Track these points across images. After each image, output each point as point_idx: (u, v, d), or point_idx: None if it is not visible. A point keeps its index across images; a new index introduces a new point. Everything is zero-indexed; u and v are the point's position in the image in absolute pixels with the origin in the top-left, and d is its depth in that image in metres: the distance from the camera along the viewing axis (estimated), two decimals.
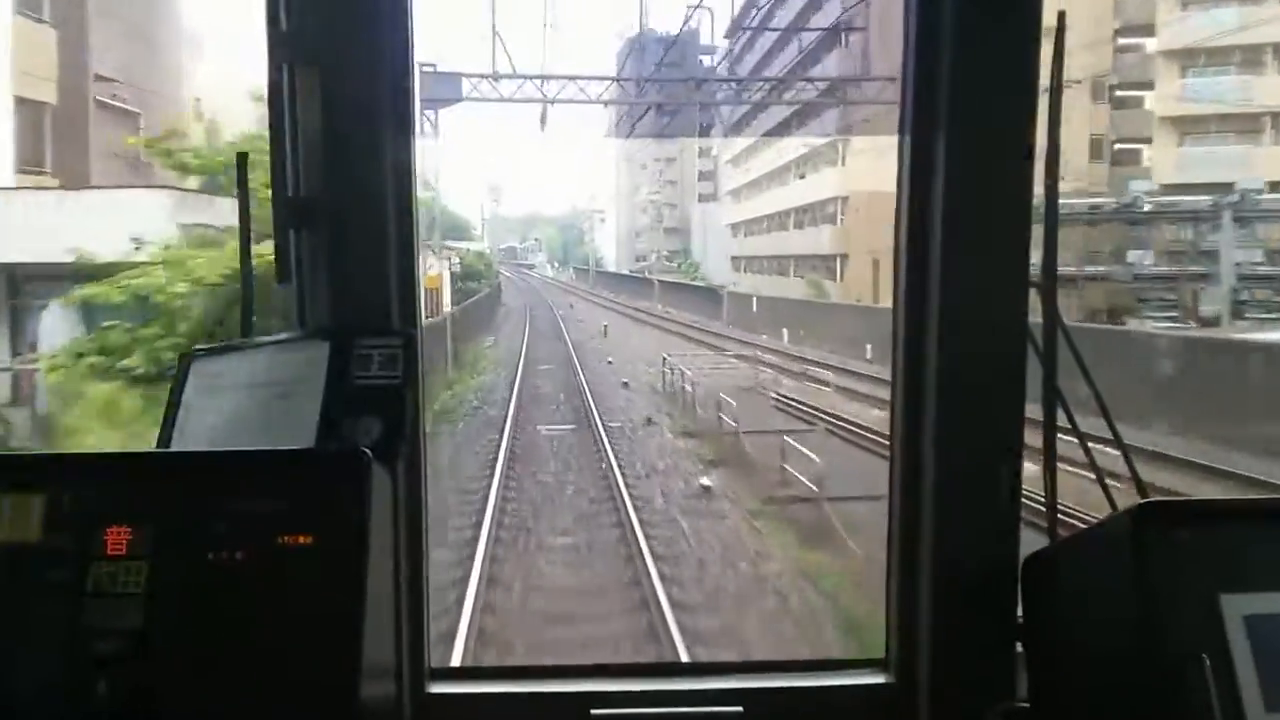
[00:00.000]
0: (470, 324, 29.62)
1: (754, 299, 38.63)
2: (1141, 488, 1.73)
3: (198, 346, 1.74)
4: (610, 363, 27.75)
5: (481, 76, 19.62)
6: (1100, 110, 29.66)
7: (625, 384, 23.95)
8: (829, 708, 1.94)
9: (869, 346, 23.35)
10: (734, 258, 52.56)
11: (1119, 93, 30.76)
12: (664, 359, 24.42)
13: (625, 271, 66.87)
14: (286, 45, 1.70)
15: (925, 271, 1.83)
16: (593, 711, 1.85)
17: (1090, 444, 1.74)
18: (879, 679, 1.96)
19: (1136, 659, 1.37)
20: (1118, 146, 30.87)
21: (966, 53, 1.76)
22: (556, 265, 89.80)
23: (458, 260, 32.89)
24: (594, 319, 41.47)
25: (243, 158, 1.75)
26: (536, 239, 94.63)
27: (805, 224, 40.11)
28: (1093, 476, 1.77)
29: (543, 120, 20.23)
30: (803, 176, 39.98)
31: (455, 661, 7.65)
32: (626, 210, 70.43)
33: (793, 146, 38.28)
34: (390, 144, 1.75)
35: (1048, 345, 1.77)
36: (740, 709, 1.86)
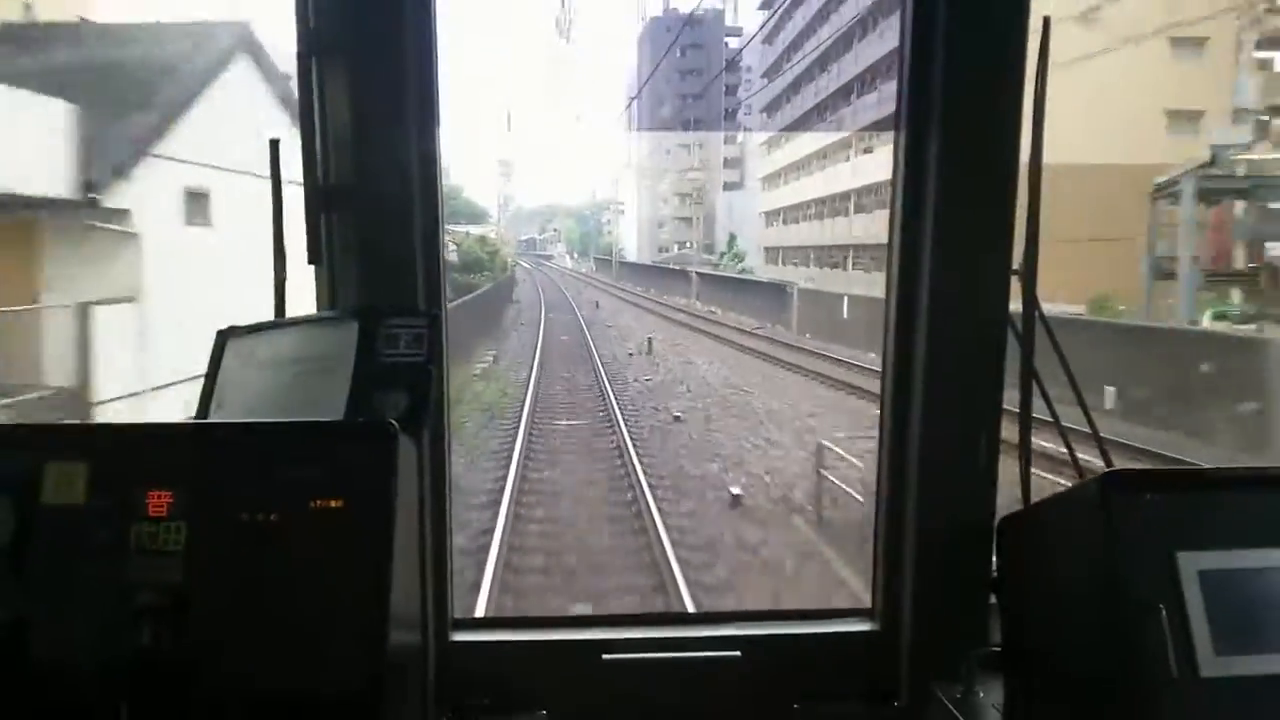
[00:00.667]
0: (462, 331, 19.81)
1: (844, 300, 26.75)
2: (1107, 458, 1.89)
3: (234, 325, 1.83)
4: (679, 419, 15.70)
5: None
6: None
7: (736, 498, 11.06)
8: (820, 652, 2.10)
9: (1109, 391, 14.25)
10: (768, 248, 49.70)
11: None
12: (819, 446, 11.44)
13: (649, 262, 62.21)
14: (314, 38, 1.77)
15: (917, 259, 1.96)
16: (604, 656, 1.98)
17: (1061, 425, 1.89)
18: (866, 626, 2.14)
19: (1100, 609, 1.50)
20: None
21: (958, 54, 1.87)
22: (575, 256, 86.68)
23: (454, 247, 27.86)
24: (625, 323, 31.81)
25: (275, 144, 1.83)
26: (555, 229, 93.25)
27: (871, 207, 33.87)
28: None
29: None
30: (869, 150, 35.12)
31: None
32: (649, 199, 67.83)
33: (848, 119, 34.92)
34: (415, 131, 1.83)
35: (1026, 328, 1.90)
36: (739, 653, 2.02)
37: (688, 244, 62.84)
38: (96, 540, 1.41)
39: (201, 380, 1.78)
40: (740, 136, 58.23)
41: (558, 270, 73.90)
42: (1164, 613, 1.40)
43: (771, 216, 49.93)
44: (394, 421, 1.51)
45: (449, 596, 2.00)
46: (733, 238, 56.39)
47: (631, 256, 68.55)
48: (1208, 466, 1.58)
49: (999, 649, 1.84)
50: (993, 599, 1.91)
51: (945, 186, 1.91)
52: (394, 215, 1.84)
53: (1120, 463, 1.72)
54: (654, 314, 35.74)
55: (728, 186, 60.56)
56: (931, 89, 1.90)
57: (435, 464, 1.90)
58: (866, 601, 2.17)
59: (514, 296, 39.78)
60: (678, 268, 50.83)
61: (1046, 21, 1.81)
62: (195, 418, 1.76)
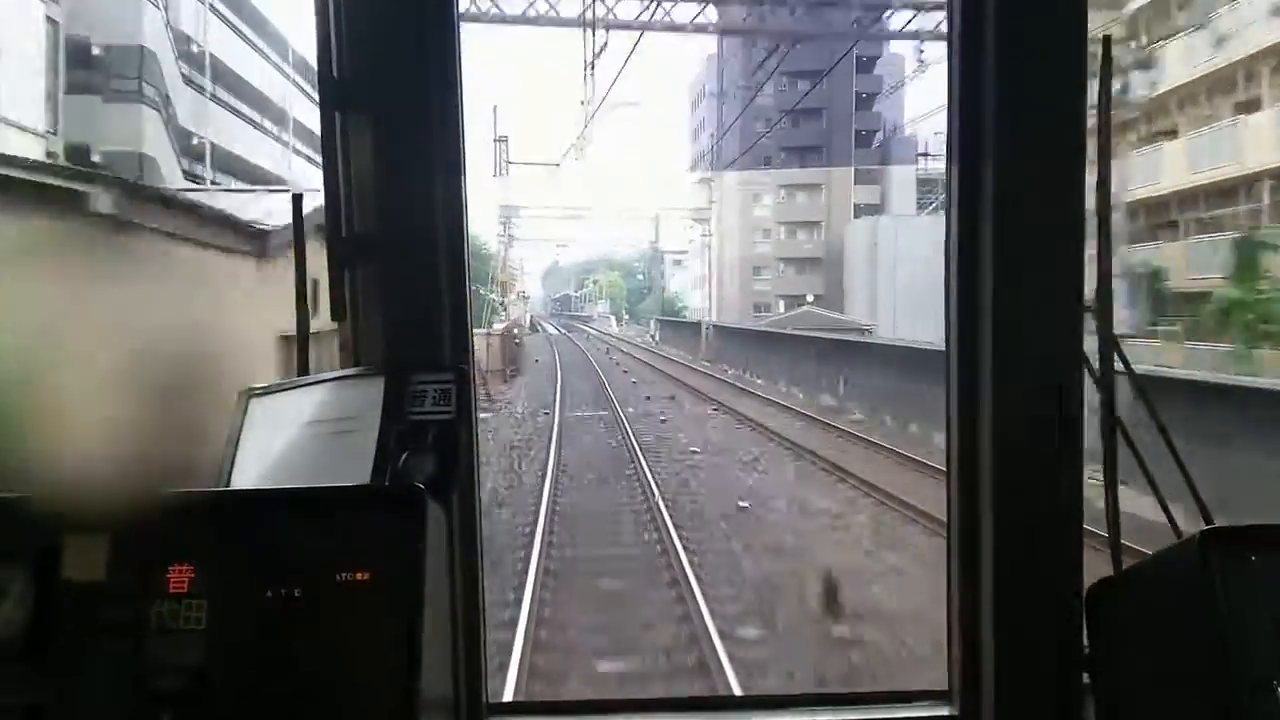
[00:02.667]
0: None
1: None
2: (1206, 515, 1.70)
3: (254, 385, 1.77)
4: None
5: None
6: None
7: None
8: None
9: None
10: None
11: None
12: None
13: (755, 326, 39.08)
14: (339, 91, 1.75)
15: (976, 298, 1.82)
16: None
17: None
18: (944, 711, 1.94)
19: (1206, 685, 1.35)
20: None
21: (1011, 80, 1.76)
22: (624, 318, 70.89)
23: None
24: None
25: (298, 199, 1.80)
26: (595, 281, 79.20)
27: None
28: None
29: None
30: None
31: None
32: (737, 235, 47.09)
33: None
34: (441, 183, 1.79)
35: (1104, 369, 1.74)
36: None
37: (805, 298, 43.32)
38: (117, 619, 1.35)
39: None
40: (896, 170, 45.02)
41: (598, 337, 55.01)
42: (1278, 689, 1.24)
43: None
44: (421, 485, 1.44)
45: (484, 677, 1.88)
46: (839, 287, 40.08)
47: (699, 315, 46.67)
48: None
49: None
50: (1085, 677, 1.73)
51: (1002, 219, 1.78)
52: (419, 268, 1.79)
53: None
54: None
55: (863, 212, 44.64)
56: (984, 118, 1.79)
57: (466, 531, 1.80)
58: None
59: (518, 406, 22.72)
60: (835, 337, 27.64)
61: (1107, 41, 1.71)
62: (218, 484, 1.70)
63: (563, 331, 59.36)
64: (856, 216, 45.41)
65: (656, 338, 52.06)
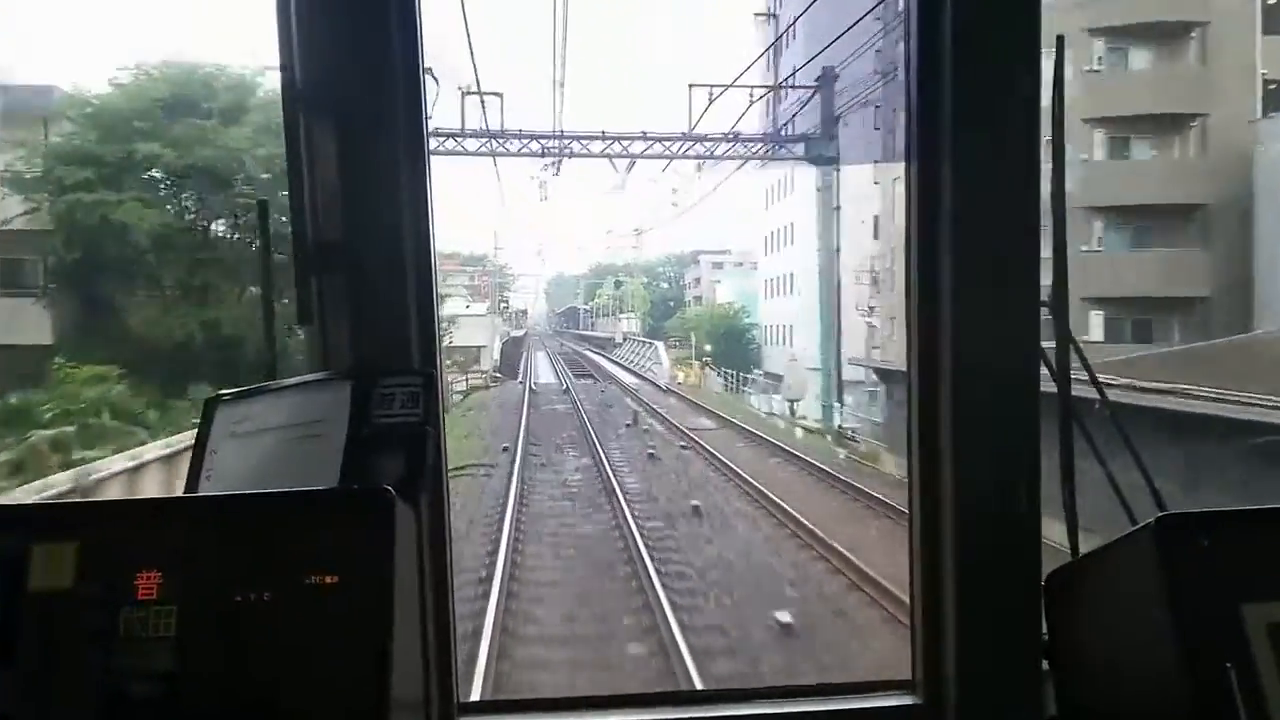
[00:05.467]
0: None
1: None
2: (1160, 502, 1.75)
3: (223, 391, 1.77)
4: None
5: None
6: None
7: None
8: None
9: None
10: None
11: None
12: None
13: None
14: (300, 94, 1.75)
15: (937, 297, 1.86)
16: None
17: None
18: (908, 700, 1.97)
19: (1162, 670, 1.39)
20: None
21: (967, 81, 1.80)
22: (673, 342, 39.65)
23: None
24: None
25: (264, 205, 1.80)
26: (617, 283, 52.56)
27: None
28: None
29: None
30: None
31: None
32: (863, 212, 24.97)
33: None
34: (407, 186, 1.79)
35: (1060, 364, 1.78)
36: None
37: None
38: (85, 628, 1.35)
39: None
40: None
41: (639, 398, 27.28)
42: (1232, 672, 1.28)
43: None
44: (390, 487, 1.44)
45: (454, 677, 1.89)
46: None
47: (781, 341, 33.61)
48: (1274, 506, 1.46)
49: (1054, 719, 1.70)
50: (1045, 664, 1.77)
51: (960, 218, 1.82)
52: (386, 273, 1.79)
53: None
54: None
55: None
56: (941, 118, 1.82)
57: (435, 532, 1.81)
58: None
59: None
60: None
61: (1060, 40, 1.75)
62: (185, 491, 1.70)
63: (561, 375, 33.00)
64: (1268, 106, 20.30)
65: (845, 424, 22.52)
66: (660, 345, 36.06)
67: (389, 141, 1.78)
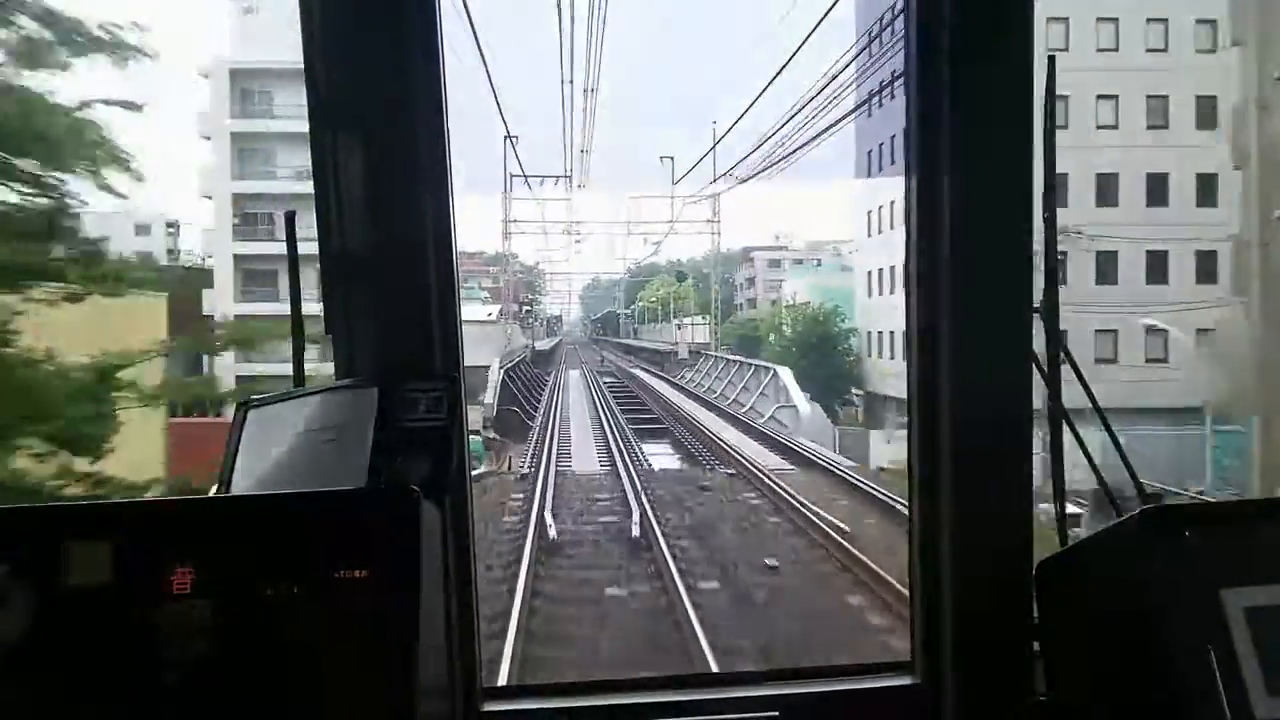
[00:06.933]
0: None
1: None
2: (1144, 495, 1.85)
3: (254, 396, 1.83)
4: None
5: None
6: None
7: None
8: (860, 710, 2.04)
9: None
10: None
11: None
12: None
13: None
14: (327, 107, 1.80)
15: (935, 302, 1.95)
16: None
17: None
18: (907, 680, 2.08)
19: (1145, 652, 1.47)
20: None
21: (965, 99, 1.88)
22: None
23: None
24: None
25: (290, 215, 1.86)
26: (681, 273, 40.64)
27: None
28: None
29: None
30: None
31: None
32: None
33: None
34: (430, 196, 1.85)
35: (1051, 365, 1.88)
36: (776, 714, 1.97)
37: None
38: (122, 622, 1.41)
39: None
40: None
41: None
42: (1212, 654, 1.36)
43: None
44: (416, 487, 1.50)
45: (478, 665, 1.97)
46: None
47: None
48: (1251, 498, 1.55)
49: (1045, 699, 1.79)
50: (1035, 646, 1.87)
51: (958, 228, 1.91)
52: (409, 280, 1.85)
53: None
54: None
55: None
56: (940, 133, 1.91)
57: (459, 529, 1.89)
58: None
59: None
60: None
61: (1051, 60, 1.83)
62: (218, 491, 1.76)
63: (615, 436, 18.84)
64: None
65: None
66: (784, 373, 22.23)
67: (411, 150, 1.83)
